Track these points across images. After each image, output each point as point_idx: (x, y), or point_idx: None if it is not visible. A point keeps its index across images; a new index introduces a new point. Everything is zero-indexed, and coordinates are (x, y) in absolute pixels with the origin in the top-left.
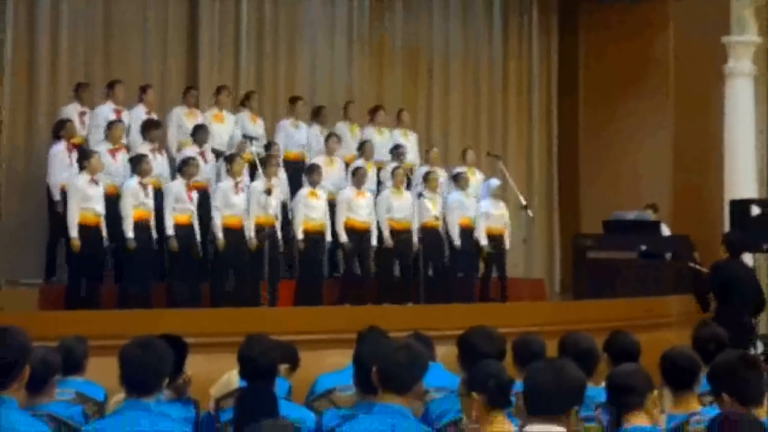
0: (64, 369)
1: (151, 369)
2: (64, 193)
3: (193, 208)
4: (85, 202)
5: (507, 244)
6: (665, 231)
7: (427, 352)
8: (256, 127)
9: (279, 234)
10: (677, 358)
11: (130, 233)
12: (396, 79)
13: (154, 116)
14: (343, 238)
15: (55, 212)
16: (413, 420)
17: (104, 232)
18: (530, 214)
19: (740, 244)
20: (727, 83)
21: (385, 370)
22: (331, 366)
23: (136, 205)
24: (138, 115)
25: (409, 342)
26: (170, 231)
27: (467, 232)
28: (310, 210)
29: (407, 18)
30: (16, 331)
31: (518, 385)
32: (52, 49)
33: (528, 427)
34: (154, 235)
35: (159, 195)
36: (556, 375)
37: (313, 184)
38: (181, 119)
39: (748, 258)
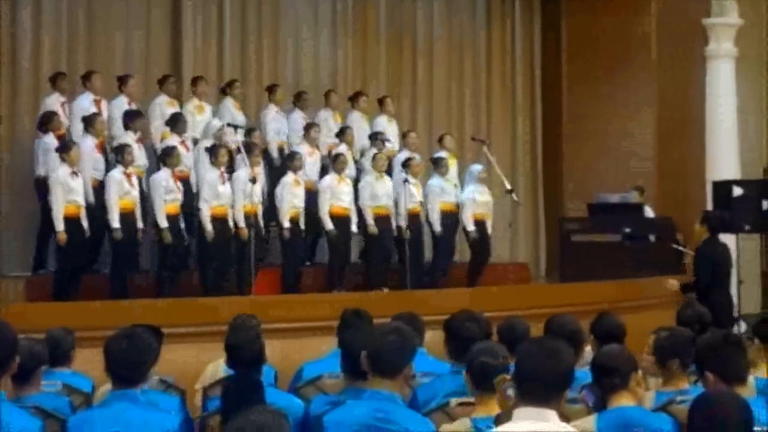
0: (51, 361)
1: (136, 359)
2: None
3: (181, 197)
4: (69, 195)
5: (489, 230)
6: (649, 213)
7: (416, 334)
8: (242, 116)
9: (261, 222)
10: (683, 338)
11: (116, 223)
12: (380, 62)
13: (134, 106)
14: (329, 225)
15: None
16: (403, 405)
17: (85, 224)
18: (515, 198)
19: (720, 223)
20: (709, 65)
21: (376, 354)
22: (314, 353)
23: (121, 196)
24: (120, 105)
25: (398, 325)
26: (164, 223)
27: (448, 217)
28: (296, 198)
29: (391, 0)
30: (4, 325)
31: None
32: (34, 40)
33: (518, 410)
34: (140, 225)
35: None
36: (549, 359)
37: (295, 171)
38: (164, 109)
39: (731, 239)
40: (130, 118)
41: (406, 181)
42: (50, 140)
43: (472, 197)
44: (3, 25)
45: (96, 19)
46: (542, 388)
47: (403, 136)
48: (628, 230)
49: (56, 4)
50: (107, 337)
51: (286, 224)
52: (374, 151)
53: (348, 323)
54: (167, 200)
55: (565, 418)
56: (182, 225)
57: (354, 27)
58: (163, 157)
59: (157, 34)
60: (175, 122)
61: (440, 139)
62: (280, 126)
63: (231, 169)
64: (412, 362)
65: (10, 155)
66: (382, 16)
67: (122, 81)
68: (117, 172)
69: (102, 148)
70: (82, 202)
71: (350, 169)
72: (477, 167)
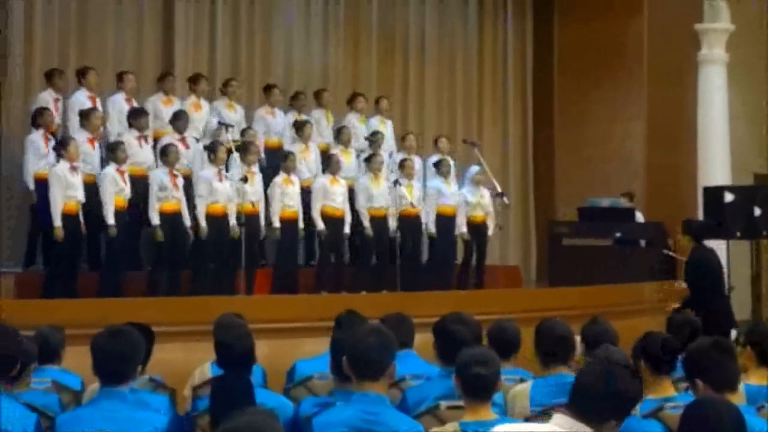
0: (41, 358)
1: (123, 358)
2: (37, 182)
3: (180, 195)
4: (68, 191)
5: (490, 231)
6: (639, 218)
7: (393, 335)
8: (235, 115)
9: (262, 222)
10: (663, 342)
11: (111, 220)
12: (371, 64)
13: (135, 104)
14: (320, 225)
15: (33, 202)
16: (392, 408)
17: (81, 220)
18: (506, 201)
19: (701, 230)
20: (701, 70)
21: (356, 358)
22: (304, 354)
23: (116, 193)
24: (118, 102)
25: (377, 326)
26: (155, 221)
27: (446, 219)
28: (286, 197)
29: (383, 1)
30: (12, 330)
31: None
32: (26, 38)
33: (558, 415)
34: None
35: (144, 183)
36: (608, 384)
37: (288, 171)
38: (158, 107)
39: (722, 245)
40: (135, 117)
41: (396, 182)
42: (36, 136)
43: (465, 199)
44: None
45: (88, 15)
46: (593, 409)
47: (402, 138)
48: (618, 235)
49: (47, 1)
50: (93, 336)
51: (277, 224)
52: (371, 152)
53: (342, 325)
54: (160, 198)
55: None
56: (187, 223)
57: (345, 29)
58: (161, 155)
59: (148, 32)
60: (177, 120)
61: (435, 142)
62: (268, 126)
63: (227, 167)
64: (394, 361)
65: (1, 151)
66: (374, 16)
67: (120, 78)
68: (111, 169)
69: (94, 143)
70: (80, 198)
71: (347, 170)
72: (474, 169)
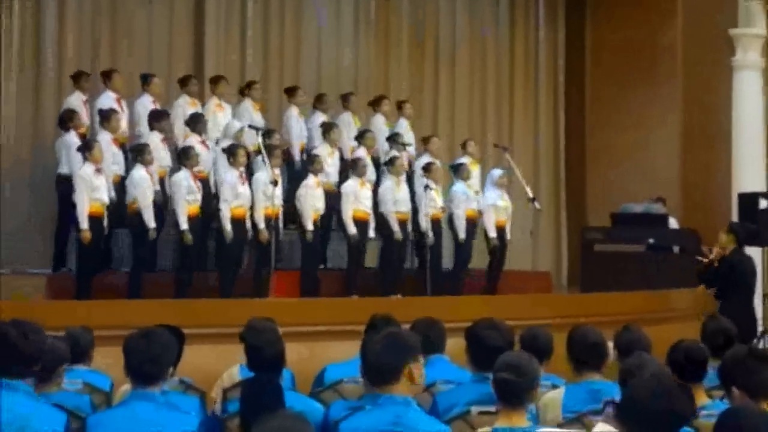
0: (71, 358)
1: (155, 359)
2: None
3: (200, 198)
4: (93, 193)
5: (508, 236)
6: (673, 224)
7: (409, 337)
8: (259, 117)
9: (281, 224)
10: (687, 351)
11: (152, 223)
12: (402, 67)
13: (158, 106)
14: (352, 230)
15: (70, 203)
16: (420, 411)
17: (104, 222)
18: (537, 206)
19: (749, 235)
20: (735, 76)
21: (368, 366)
22: (335, 358)
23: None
24: (144, 104)
25: (387, 332)
26: (185, 225)
27: (468, 223)
28: (317, 201)
29: (414, 3)
30: (35, 327)
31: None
32: (59, 38)
33: (601, 425)
34: (152, 224)
35: (164, 185)
36: (660, 399)
37: (316, 173)
38: (186, 110)
39: (756, 252)
40: (156, 118)
41: (427, 187)
42: (71, 138)
43: (494, 203)
44: (27, 24)
45: (119, 19)
46: (642, 424)
47: (425, 141)
48: (651, 241)
49: (80, 5)
50: (126, 337)
51: (310, 227)
52: (394, 153)
53: (375, 328)
54: (189, 201)
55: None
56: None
57: (376, 31)
58: (181, 158)
59: (179, 35)
60: (195, 122)
61: (463, 145)
62: (301, 128)
63: (249, 170)
64: (410, 361)
65: (33, 154)
66: (405, 20)
67: (146, 80)
68: (144, 171)
69: (120, 144)
70: (105, 200)
71: (371, 173)
72: (497, 172)
